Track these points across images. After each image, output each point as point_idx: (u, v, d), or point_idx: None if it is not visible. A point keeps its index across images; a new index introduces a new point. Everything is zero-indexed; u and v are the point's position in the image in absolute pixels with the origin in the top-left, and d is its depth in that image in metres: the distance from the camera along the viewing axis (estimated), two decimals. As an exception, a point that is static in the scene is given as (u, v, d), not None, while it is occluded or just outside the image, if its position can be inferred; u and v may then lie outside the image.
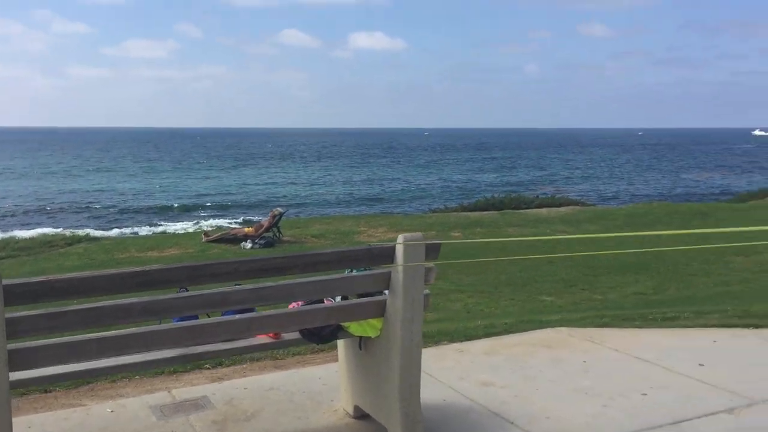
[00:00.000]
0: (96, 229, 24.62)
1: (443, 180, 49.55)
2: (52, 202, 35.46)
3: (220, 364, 4.96)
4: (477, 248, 13.63)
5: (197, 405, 3.92)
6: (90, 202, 35.79)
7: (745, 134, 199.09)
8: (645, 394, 4.01)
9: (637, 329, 5.47)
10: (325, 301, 3.40)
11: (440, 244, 3.38)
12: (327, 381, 4.25)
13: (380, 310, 3.35)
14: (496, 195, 21.03)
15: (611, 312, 6.71)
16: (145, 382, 4.48)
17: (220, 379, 4.50)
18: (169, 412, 3.82)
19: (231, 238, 15.22)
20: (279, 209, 16.22)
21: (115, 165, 67.87)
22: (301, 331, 3.36)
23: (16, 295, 2.53)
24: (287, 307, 3.42)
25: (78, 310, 2.68)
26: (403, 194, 39.71)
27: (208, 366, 4.92)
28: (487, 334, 5.41)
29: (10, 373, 2.61)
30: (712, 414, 3.75)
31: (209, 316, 3.25)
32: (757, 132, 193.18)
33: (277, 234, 15.32)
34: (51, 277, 2.62)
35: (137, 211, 32.17)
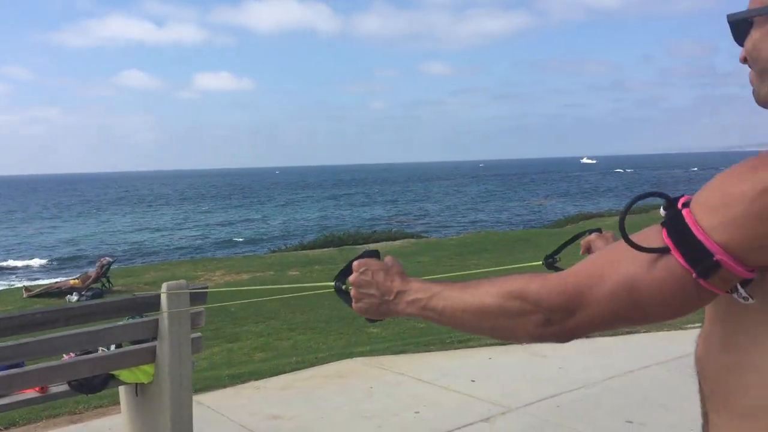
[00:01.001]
0: None
1: (298, 219, 49.55)
2: None
3: (13, 425, 4.88)
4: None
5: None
6: None
7: (575, 162, 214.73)
8: (417, 412, 4.42)
9: (429, 353, 5.94)
10: (100, 351, 3.52)
11: (206, 290, 3.61)
12: (118, 430, 4.31)
13: (150, 356, 3.51)
14: (335, 232, 21.53)
15: (424, 338, 7.18)
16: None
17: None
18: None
19: (56, 292, 14.54)
20: (108, 258, 15.70)
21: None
22: (69, 383, 3.45)
23: None
24: (61, 358, 3.50)
25: None
26: (258, 234, 39.25)
27: (2, 427, 4.83)
28: (294, 369, 5.67)
29: None
30: (471, 424, 4.20)
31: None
32: (585, 160, 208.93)
33: (107, 284, 14.83)
34: None
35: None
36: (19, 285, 19.01)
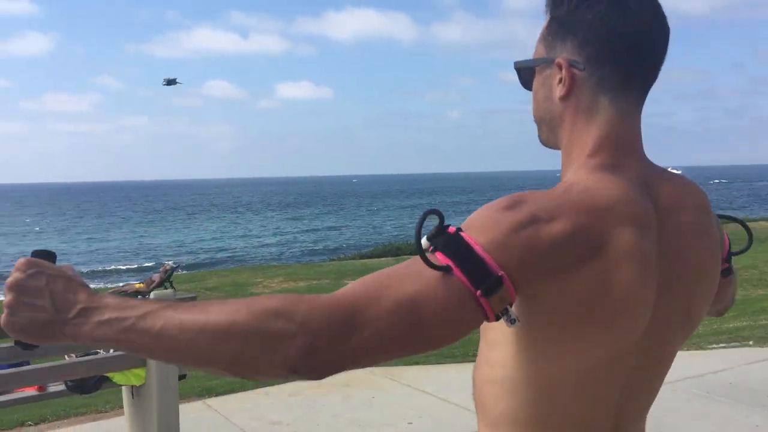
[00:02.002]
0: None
1: (376, 227, 49.84)
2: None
3: (43, 420, 5.23)
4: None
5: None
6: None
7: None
8: (411, 423, 4.51)
9: (442, 365, 6.01)
10: (101, 353, 3.77)
11: (195, 299, 3.82)
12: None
13: (142, 361, 3.74)
14: (393, 242, 21.68)
15: (447, 350, 7.25)
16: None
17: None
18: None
19: (121, 295, 15.20)
20: (171, 263, 16.31)
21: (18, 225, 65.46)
22: (66, 384, 3.71)
23: None
24: (63, 359, 3.77)
25: None
26: (336, 243, 39.52)
27: (30, 423, 5.18)
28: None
29: None
30: (460, 437, 4.26)
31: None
32: (669, 170, 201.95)
33: (170, 289, 15.42)
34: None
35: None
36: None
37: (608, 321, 1.06)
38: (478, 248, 0.97)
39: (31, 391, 3.68)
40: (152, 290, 15.33)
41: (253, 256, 34.73)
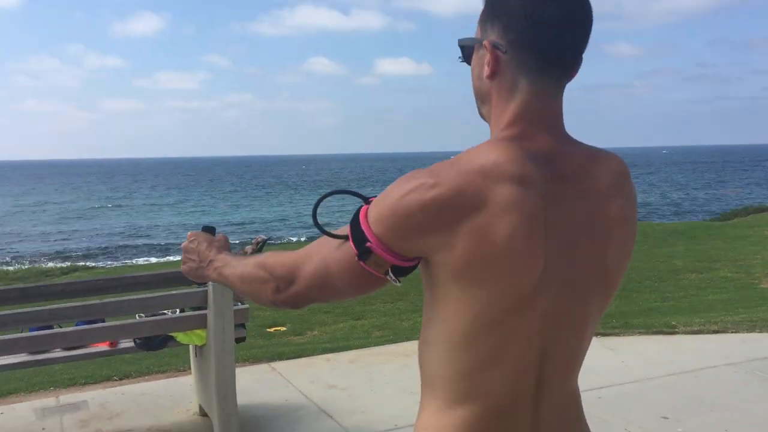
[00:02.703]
0: (110, 260, 25.65)
1: None
2: (68, 236, 36.64)
3: (127, 376, 5.67)
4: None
5: (75, 407, 4.62)
6: (110, 234, 36.98)
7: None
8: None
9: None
10: (169, 313, 4.09)
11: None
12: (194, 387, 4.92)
13: (202, 323, 4.02)
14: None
15: None
16: (51, 392, 5.17)
17: (107, 386, 5.18)
18: (48, 413, 4.52)
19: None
20: (262, 236, 16.91)
21: (130, 199, 69.03)
22: (134, 341, 4.05)
23: None
24: (134, 318, 4.11)
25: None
26: None
27: (116, 377, 5.63)
28: (376, 344, 6.06)
29: None
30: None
31: (61, 326, 3.95)
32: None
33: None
34: None
35: (149, 243, 32.92)
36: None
37: (497, 272, 1.15)
38: (362, 220, 1.19)
39: (104, 347, 4.03)
40: (244, 261, 16.02)
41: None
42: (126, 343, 4.08)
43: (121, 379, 5.54)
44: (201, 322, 4.02)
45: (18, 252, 29.97)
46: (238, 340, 4.20)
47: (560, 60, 1.25)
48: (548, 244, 1.18)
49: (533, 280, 1.18)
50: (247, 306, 4.10)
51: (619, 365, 5.06)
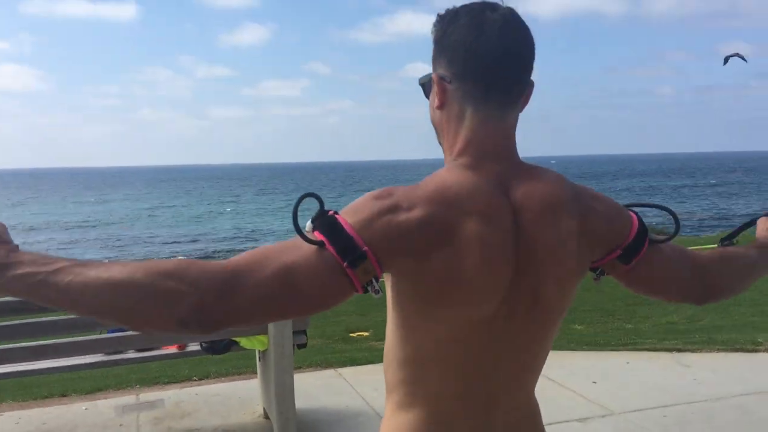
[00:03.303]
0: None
1: None
2: (179, 238, 38.40)
3: (206, 376, 5.95)
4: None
5: (152, 405, 4.90)
6: (217, 239, 38.53)
7: None
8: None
9: (581, 352, 5.96)
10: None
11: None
12: (265, 390, 5.12)
13: (263, 328, 4.19)
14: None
15: (625, 339, 7.09)
16: (134, 390, 5.51)
17: (185, 386, 5.46)
18: (127, 410, 4.83)
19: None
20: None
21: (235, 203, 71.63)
22: (200, 344, 4.27)
23: (-37, 313, 3.61)
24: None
25: (6, 326, 3.73)
26: None
27: (195, 378, 5.93)
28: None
29: (-36, 369, 3.68)
30: (565, 422, 4.30)
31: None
32: None
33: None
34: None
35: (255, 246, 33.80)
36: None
37: (459, 299, 1.22)
38: (347, 227, 1.17)
39: (173, 349, 4.27)
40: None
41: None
42: (194, 346, 4.30)
43: (200, 380, 5.82)
44: (262, 328, 4.20)
45: (135, 254, 31.74)
46: (300, 346, 4.35)
47: (501, 88, 1.30)
48: (503, 275, 1.25)
49: (491, 307, 1.25)
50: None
51: (690, 383, 4.89)
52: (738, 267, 1.54)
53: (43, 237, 39.61)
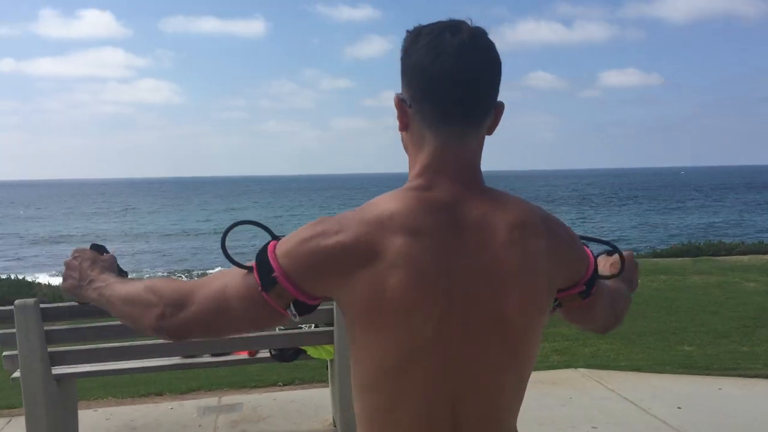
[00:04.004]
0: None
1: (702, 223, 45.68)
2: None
3: (291, 383, 6.12)
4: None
5: (231, 408, 5.10)
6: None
7: None
8: (595, 428, 4.42)
9: (666, 375, 5.67)
10: (305, 328, 4.40)
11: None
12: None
13: (330, 338, 4.27)
14: (693, 241, 19.87)
15: (733, 364, 6.70)
16: (216, 392, 5.75)
17: (267, 392, 5.63)
18: (209, 412, 5.04)
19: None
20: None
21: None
22: (270, 352, 4.40)
23: (50, 315, 3.90)
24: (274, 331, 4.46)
25: (92, 327, 4.00)
26: (659, 239, 36.75)
27: (280, 384, 6.11)
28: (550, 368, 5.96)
29: (52, 368, 3.98)
30: (637, 448, 4.10)
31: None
32: None
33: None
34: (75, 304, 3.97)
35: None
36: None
37: (391, 321, 1.21)
38: (270, 254, 1.24)
39: (244, 355, 4.43)
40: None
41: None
42: (264, 353, 4.44)
43: (284, 386, 5.99)
44: (329, 338, 4.27)
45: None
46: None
47: (459, 113, 1.29)
48: (443, 294, 1.22)
49: (428, 330, 1.22)
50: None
51: None
52: (623, 301, 1.58)
53: (176, 244, 41.66)
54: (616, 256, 1.53)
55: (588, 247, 1.43)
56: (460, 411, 1.27)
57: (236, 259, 1.29)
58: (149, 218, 61.76)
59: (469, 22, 1.31)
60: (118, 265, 1.51)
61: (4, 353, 3.91)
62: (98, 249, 1.55)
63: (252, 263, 1.26)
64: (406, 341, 1.22)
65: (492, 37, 1.31)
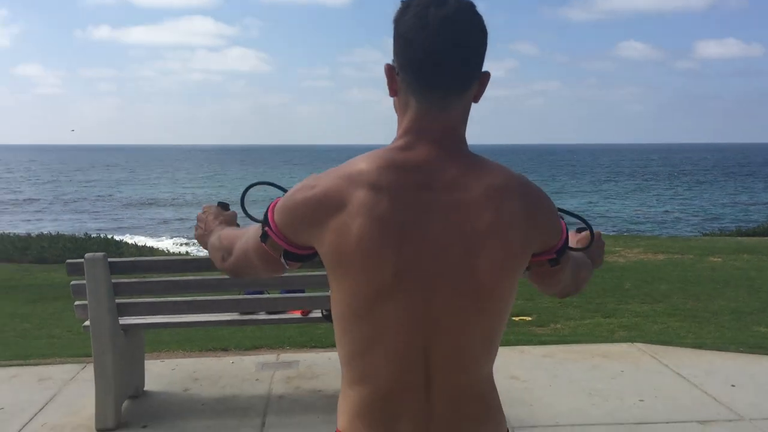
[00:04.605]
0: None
1: None
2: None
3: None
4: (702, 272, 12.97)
5: (288, 365, 5.32)
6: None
7: None
8: (642, 400, 4.41)
9: (729, 353, 5.54)
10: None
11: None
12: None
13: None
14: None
15: None
16: (277, 350, 5.99)
17: (322, 351, 5.83)
18: (267, 368, 5.28)
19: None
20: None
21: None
22: (321, 312, 4.57)
23: (119, 269, 4.18)
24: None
25: (159, 281, 4.25)
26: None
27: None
28: (578, 342, 5.95)
29: (119, 318, 4.27)
30: (683, 422, 4.07)
31: (269, 293, 4.60)
32: None
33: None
34: (141, 258, 4.24)
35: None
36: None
37: (352, 266, 1.33)
38: (270, 210, 1.43)
39: (297, 314, 4.61)
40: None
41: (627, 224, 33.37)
42: (316, 314, 4.61)
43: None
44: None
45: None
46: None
47: (440, 82, 1.37)
48: (403, 245, 1.31)
49: (386, 276, 1.32)
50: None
51: None
52: (586, 271, 1.65)
53: (261, 211, 42.60)
54: (586, 233, 1.64)
55: (563, 219, 1.49)
56: (431, 358, 1.36)
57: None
58: (238, 183, 63.44)
59: None
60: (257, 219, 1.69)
61: (76, 303, 4.22)
62: (223, 206, 1.81)
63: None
64: (368, 286, 1.32)
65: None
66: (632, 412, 4.22)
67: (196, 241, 1.83)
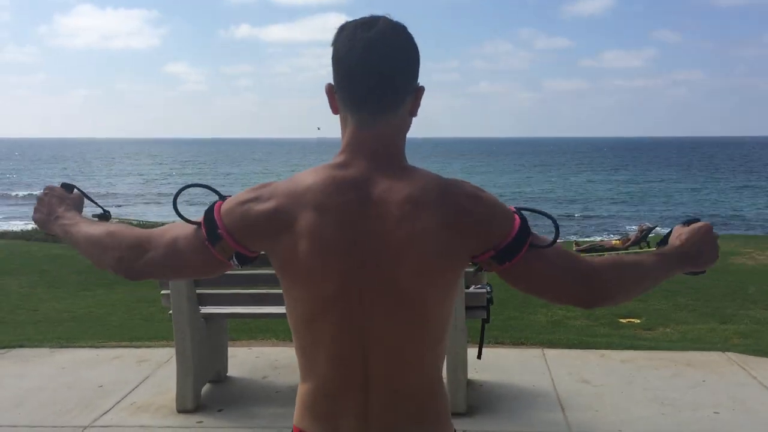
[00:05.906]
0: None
1: None
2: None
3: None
4: None
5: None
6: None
7: None
8: (717, 413, 4.21)
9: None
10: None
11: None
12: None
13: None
14: None
15: None
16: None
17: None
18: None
19: (599, 248, 15.94)
20: (647, 224, 16.29)
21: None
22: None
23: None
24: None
25: (241, 275, 4.50)
26: None
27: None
28: (659, 349, 5.71)
29: (200, 308, 4.57)
30: (758, 438, 3.87)
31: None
32: None
33: (645, 248, 15.49)
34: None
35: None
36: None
37: (299, 280, 1.46)
38: (216, 213, 1.51)
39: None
40: (627, 248, 15.65)
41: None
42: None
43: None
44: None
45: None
46: (485, 321, 4.51)
47: (370, 100, 1.47)
48: (344, 261, 1.42)
49: (328, 290, 1.43)
50: (483, 291, 4.41)
51: None
52: (628, 275, 1.53)
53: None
54: (695, 224, 1.58)
55: (519, 215, 1.48)
56: (369, 361, 1.46)
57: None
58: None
59: (388, 17, 1.46)
60: (102, 207, 1.73)
61: (162, 291, 4.56)
62: (67, 188, 1.73)
63: (200, 219, 1.51)
64: (311, 299, 1.45)
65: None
66: (702, 425, 4.05)
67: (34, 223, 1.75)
